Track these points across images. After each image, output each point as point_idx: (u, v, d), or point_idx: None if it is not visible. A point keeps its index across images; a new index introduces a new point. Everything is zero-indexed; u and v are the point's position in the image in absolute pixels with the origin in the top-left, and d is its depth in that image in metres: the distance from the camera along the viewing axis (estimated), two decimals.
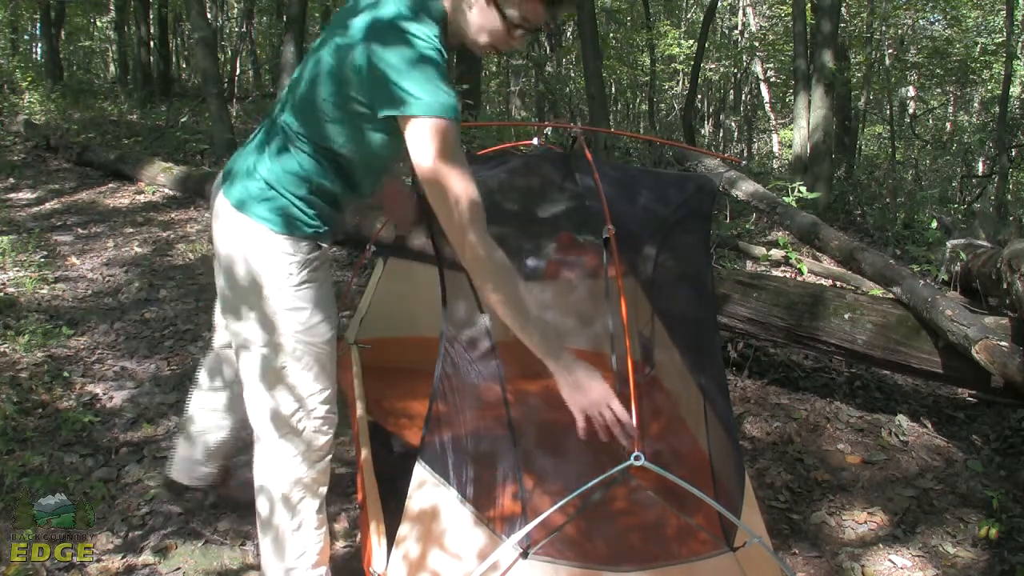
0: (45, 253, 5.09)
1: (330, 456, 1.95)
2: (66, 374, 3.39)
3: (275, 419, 1.85)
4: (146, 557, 2.31)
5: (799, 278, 4.83)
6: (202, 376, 2.29)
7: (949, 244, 4.59)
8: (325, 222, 1.81)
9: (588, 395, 1.67)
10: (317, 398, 1.86)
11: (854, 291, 4.09)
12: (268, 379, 1.83)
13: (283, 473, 1.88)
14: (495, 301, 1.64)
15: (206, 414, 2.28)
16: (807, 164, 8.19)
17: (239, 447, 2.36)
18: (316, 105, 1.70)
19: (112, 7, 15.46)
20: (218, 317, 2.13)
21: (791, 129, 9.74)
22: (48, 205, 6.44)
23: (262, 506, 1.92)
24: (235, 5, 18.65)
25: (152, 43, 14.61)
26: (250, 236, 1.76)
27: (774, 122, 16.53)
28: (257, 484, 1.92)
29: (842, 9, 10.11)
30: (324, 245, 1.83)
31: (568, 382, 1.67)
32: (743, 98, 19.11)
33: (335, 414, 1.93)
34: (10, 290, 4.35)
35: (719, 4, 14.61)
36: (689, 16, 18.14)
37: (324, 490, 1.96)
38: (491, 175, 2.24)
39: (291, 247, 1.76)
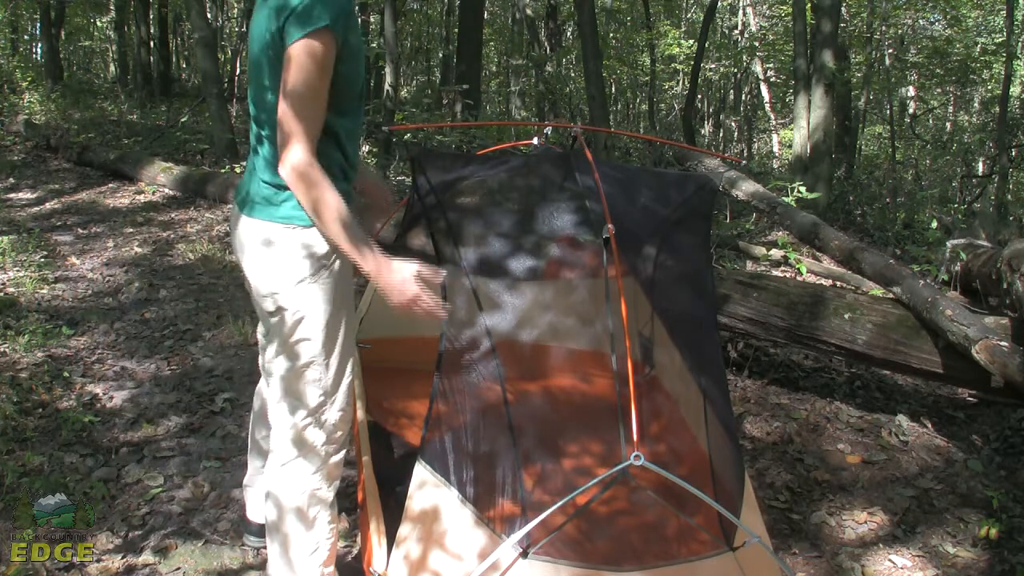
0: (45, 253, 5.09)
1: (344, 450, 1.98)
2: (66, 374, 3.39)
3: (298, 413, 1.87)
4: (146, 557, 2.31)
5: (799, 278, 4.83)
6: (257, 411, 2.26)
7: (949, 244, 4.59)
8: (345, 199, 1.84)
9: (400, 284, 1.75)
10: (342, 391, 1.91)
11: (854, 291, 4.09)
12: (299, 372, 1.85)
13: (301, 467, 1.89)
14: (307, 209, 1.73)
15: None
16: (807, 164, 8.19)
17: None
18: (265, 89, 1.77)
19: (112, 7, 15.44)
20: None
21: (791, 129, 9.74)
22: (48, 205, 6.44)
23: (279, 499, 1.91)
24: (235, 5, 18.62)
25: (152, 43, 14.60)
26: (277, 238, 1.79)
27: (774, 122, 16.52)
28: (273, 477, 1.92)
29: (842, 9, 10.11)
30: None
31: (381, 275, 1.75)
32: (743, 98, 19.10)
33: (351, 408, 1.98)
34: (10, 290, 4.35)
35: (719, 4, 14.61)
36: (689, 16, 18.13)
37: (337, 484, 1.99)
38: (491, 175, 2.24)
39: (316, 238, 1.80)
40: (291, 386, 1.87)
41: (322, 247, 1.81)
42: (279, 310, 1.83)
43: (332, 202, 1.72)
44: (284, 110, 1.69)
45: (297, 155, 1.69)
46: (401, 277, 1.75)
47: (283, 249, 1.80)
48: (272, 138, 1.79)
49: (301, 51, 1.67)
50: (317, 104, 1.71)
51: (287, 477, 1.89)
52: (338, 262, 1.84)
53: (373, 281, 1.78)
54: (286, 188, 1.77)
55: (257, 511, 2.32)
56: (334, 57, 1.71)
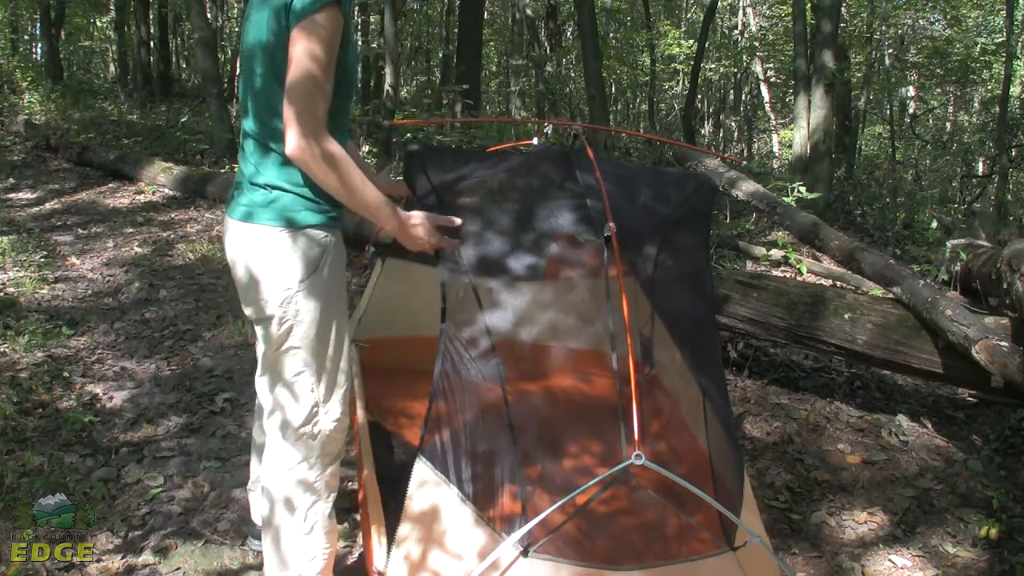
0: (45, 253, 5.09)
1: (340, 459, 1.95)
2: (66, 374, 3.39)
3: (290, 423, 1.84)
4: (146, 557, 2.31)
5: (799, 278, 4.83)
6: (258, 424, 2.23)
7: (949, 244, 4.59)
8: (333, 204, 1.80)
9: (416, 231, 1.84)
10: (336, 399, 1.87)
11: (854, 291, 4.09)
12: (289, 381, 1.82)
13: (295, 477, 1.86)
14: (331, 187, 1.71)
15: None
16: (807, 164, 8.19)
17: None
18: (259, 83, 1.72)
19: (112, 7, 15.45)
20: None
21: (791, 129, 9.74)
22: (48, 205, 6.44)
23: (273, 510, 1.89)
24: (235, 5, 18.63)
25: (152, 43, 14.61)
26: (265, 242, 1.75)
27: (774, 122, 16.53)
28: (268, 488, 1.89)
29: (842, 9, 10.11)
30: (337, 234, 1.84)
31: (402, 231, 1.83)
32: (743, 98, 19.11)
33: (347, 416, 1.93)
34: (10, 290, 4.35)
35: (719, 4, 14.61)
36: (689, 16, 18.14)
37: (334, 495, 1.95)
38: (491, 174, 2.24)
39: (306, 242, 1.76)
40: (283, 395, 1.83)
41: (312, 250, 1.76)
42: (269, 318, 1.78)
43: (354, 175, 1.70)
44: (294, 86, 1.59)
45: (309, 133, 1.60)
46: (419, 226, 1.84)
47: (272, 253, 1.75)
48: (262, 137, 1.74)
49: (310, 27, 1.59)
50: (327, 81, 1.63)
51: (283, 486, 1.86)
52: (327, 266, 1.80)
53: (397, 236, 1.86)
54: (274, 188, 1.73)
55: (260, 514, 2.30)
56: (340, 37, 1.65)
